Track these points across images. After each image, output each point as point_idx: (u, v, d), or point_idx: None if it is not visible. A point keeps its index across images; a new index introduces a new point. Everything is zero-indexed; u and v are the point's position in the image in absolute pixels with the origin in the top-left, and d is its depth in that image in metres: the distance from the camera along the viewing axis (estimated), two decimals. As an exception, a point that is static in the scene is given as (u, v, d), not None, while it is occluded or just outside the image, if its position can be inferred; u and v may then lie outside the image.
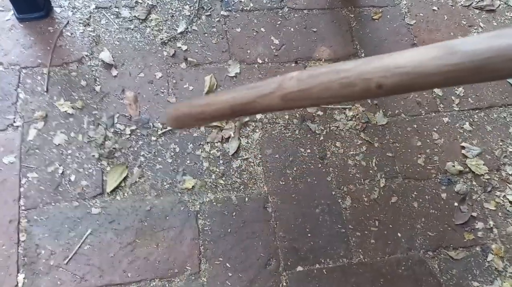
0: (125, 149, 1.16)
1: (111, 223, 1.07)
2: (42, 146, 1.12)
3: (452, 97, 1.37)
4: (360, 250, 1.13)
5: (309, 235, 1.13)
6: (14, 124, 1.13)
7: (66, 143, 1.14)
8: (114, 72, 1.24)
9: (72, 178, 1.10)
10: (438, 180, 1.25)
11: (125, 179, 1.13)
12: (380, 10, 1.49)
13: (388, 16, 1.48)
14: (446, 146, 1.30)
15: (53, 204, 1.07)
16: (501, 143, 1.33)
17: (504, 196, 1.25)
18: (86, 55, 1.24)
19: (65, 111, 1.17)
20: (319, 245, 1.12)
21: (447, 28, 1.49)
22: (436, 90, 1.37)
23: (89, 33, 1.27)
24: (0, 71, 1.19)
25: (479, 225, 1.21)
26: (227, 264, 1.07)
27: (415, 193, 1.22)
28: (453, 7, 1.53)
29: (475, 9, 1.54)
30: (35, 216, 1.05)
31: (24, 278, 0.99)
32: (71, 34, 1.26)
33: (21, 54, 1.21)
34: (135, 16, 1.32)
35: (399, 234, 1.16)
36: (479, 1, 1.55)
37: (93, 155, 1.13)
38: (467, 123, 1.34)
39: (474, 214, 1.22)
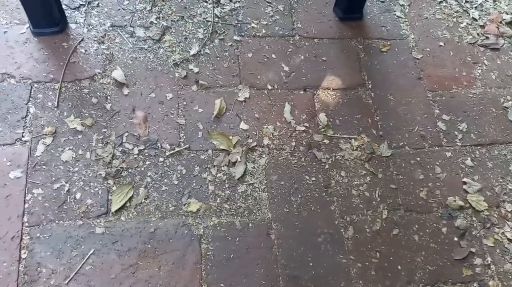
0: (132, 169, 1.16)
1: (114, 243, 1.07)
2: (49, 162, 1.12)
3: (455, 132, 1.40)
4: (360, 281, 1.13)
5: (310, 264, 1.13)
6: (23, 139, 1.13)
7: (74, 160, 1.14)
8: (126, 91, 1.25)
9: (78, 196, 1.10)
10: (439, 214, 1.26)
11: (130, 199, 1.13)
12: (389, 43, 1.52)
13: (396, 49, 1.51)
14: (448, 180, 1.31)
15: (56, 221, 1.07)
16: (501, 180, 1.35)
17: (503, 233, 1.27)
18: (99, 73, 1.25)
19: (74, 128, 1.17)
20: (320, 275, 1.12)
21: (453, 64, 1.52)
22: (440, 124, 1.40)
23: (103, 51, 1.28)
24: (11, 84, 1.19)
25: (478, 261, 1.22)
26: (229, 291, 1.07)
27: (416, 226, 1.23)
28: (459, 44, 1.57)
29: (480, 46, 1.58)
30: (38, 234, 1.05)
31: (23, 296, 0.98)
32: (85, 51, 1.27)
33: (34, 68, 1.22)
34: (149, 36, 1.34)
35: (399, 267, 1.17)
36: (484, 39, 1.59)
37: (100, 174, 1.13)
38: (469, 158, 1.36)
39: (473, 250, 1.23)
